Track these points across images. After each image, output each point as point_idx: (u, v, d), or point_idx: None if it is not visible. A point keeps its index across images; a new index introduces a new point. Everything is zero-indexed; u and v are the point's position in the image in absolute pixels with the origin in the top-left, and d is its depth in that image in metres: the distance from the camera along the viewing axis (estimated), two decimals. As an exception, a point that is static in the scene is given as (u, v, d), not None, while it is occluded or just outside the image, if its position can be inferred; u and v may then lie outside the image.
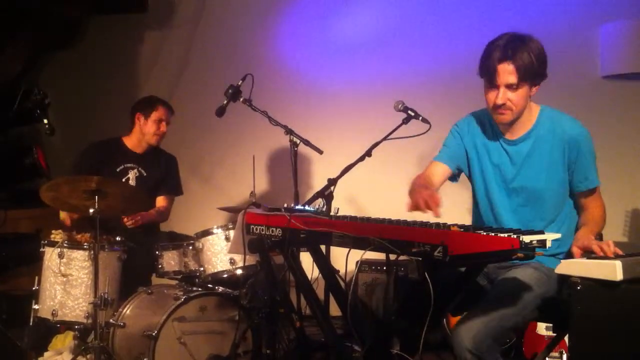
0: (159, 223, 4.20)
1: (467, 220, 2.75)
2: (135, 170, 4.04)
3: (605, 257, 2.07)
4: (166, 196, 4.17)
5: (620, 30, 4.31)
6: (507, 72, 2.34)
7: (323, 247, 2.92)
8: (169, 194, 4.19)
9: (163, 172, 4.14)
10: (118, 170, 4.01)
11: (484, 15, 4.67)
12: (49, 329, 3.61)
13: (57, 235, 3.47)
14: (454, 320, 3.55)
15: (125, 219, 3.73)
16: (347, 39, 4.99)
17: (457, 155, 2.69)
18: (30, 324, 3.41)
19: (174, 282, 3.69)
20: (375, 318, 2.74)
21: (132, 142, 4.08)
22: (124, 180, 3.97)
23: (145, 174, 4.06)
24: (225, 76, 3.92)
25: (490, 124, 2.61)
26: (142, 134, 4.04)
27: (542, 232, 1.99)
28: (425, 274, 2.01)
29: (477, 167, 2.65)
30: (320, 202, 2.82)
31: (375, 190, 4.68)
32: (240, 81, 3.50)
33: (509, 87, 2.37)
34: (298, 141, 3.39)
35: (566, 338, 2.66)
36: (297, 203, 3.25)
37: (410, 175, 2.67)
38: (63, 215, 3.86)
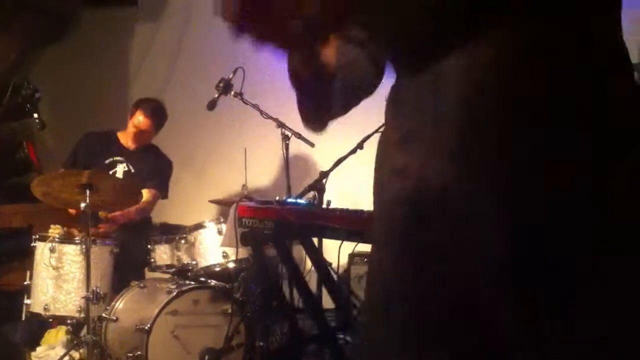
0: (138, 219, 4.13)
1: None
2: (124, 165, 4.00)
3: None
4: (152, 190, 4.03)
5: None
6: None
7: (315, 240, 2.94)
8: (155, 190, 4.06)
9: (152, 171, 4.07)
10: (107, 162, 3.98)
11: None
12: (42, 323, 3.60)
13: (55, 230, 3.46)
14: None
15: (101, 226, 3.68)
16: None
17: None
18: (23, 319, 3.41)
19: (166, 276, 3.68)
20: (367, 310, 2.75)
21: (125, 137, 4.08)
22: (110, 173, 3.95)
23: (133, 170, 4.02)
24: (216, 69, 3.91)
25: None
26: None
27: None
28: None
29: None
30: (312, 194, 2.83)
31: (368, 183, 4.66)
32: (232, 74, 3.49)
33: None
34: (290, 134, 3.39)
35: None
36: (289, 196, 3.26)
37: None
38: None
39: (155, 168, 4.10)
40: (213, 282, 3.43)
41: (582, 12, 0.88)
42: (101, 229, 3.70)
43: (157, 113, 4.06)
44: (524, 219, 0.87)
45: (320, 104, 1.06)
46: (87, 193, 3.20)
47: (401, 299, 0.99)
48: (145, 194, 3.97)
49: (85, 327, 3.23)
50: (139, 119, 3.97)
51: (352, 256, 4.03)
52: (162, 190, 4.13)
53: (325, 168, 2.91)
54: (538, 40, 0.86)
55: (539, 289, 0.87)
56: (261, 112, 3.45)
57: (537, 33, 0.85)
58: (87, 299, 3.19)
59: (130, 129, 4.00)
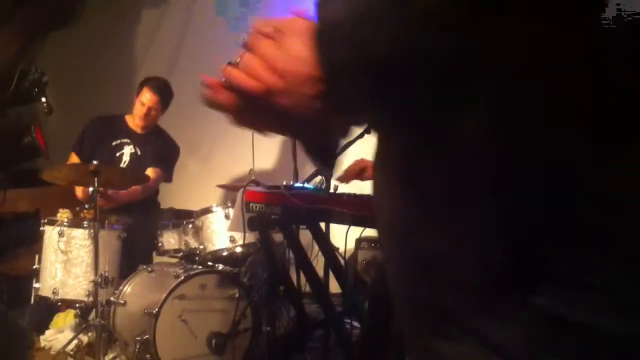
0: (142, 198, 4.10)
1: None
2: (131, 147, 4.02)
3: None
4: (156, 169, 4.02)
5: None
6: None
7: (323, 225, 2.93)
8: (160, 170, 4.05)
9: (159, 154, 4.08)
10: (113, 144, 4.00)
11: None
12: (50, 307, 3.63)
13: (63, 214, 3.48)
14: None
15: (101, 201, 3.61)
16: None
17: None
18: (31, 302, 3.43)
19: (174, 260, 3.70)
20: (374, 295, 2.76)
21: (132, 120, 4.09)
22: (118, 155, 3.98)
23: (140, 153, 4.04)
24: (223, 53, 3.89)
25: None
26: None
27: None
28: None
29: None
30: (319, 179, 2.82)
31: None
32: (238, 58, 3.46)
33: None
34: (297, 118, 3.36)
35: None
36: (296, 180, 3.26)
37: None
38: (79, 191, 3.83)
39: (162, 152, 4.10)
40: (220, 267, 3.43)
41: (582, 12, 0.87)
42: (100, 201, 3.49)
43: (164, 90, 4.07)
44: (523, 220, 0.86)
45: (328, 149, 1.07)
46: (95, 180, 3.22)
47: (402, 299, 0.99)
48: (150, 172, 3.97)
49: (94, 311, 3.25)
50: (147, 96, 3.97)
51: (359, 241, 4.03)
52: (167, 174, 4.14)
53: (333, 153, 2.90)
54: (538, 40, 0.85)
55: (539, 290, 0.87)
56: (268, 97, 3.43)
57: (537, 33, 0.85)
58: (95, 283, 3.21)
59: (138, 107, 4.00)
